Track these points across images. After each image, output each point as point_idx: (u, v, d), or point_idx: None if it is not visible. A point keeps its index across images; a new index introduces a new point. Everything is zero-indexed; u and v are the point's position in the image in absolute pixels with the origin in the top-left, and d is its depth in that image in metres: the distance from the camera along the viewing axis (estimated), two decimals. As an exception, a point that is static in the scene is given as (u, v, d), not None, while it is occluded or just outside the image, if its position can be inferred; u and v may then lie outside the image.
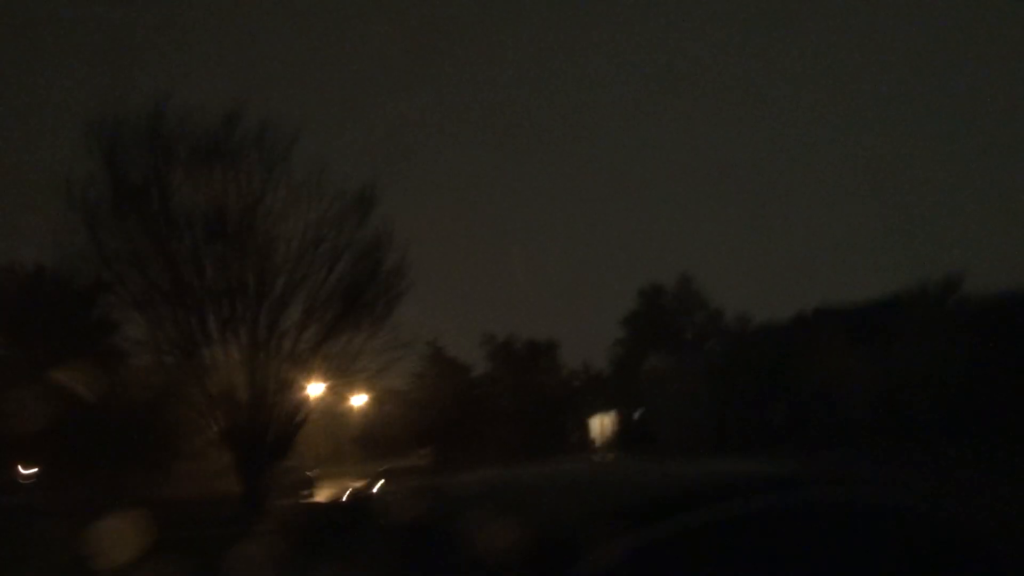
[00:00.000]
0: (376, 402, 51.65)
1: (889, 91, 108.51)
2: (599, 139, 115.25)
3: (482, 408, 50.85)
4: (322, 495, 37.86)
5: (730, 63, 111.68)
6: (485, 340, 63.83)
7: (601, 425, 47.43)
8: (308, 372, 22.36)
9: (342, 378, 24.03)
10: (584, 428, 48.77)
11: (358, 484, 21.64)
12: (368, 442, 52.21)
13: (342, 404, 54.49)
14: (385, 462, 47.41)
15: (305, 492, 38.21)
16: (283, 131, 21.09)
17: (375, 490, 12.18)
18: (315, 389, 45.50)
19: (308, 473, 40.40)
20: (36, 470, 28.42)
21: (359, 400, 53.37)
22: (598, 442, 46.84)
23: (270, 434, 21.26)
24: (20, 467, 28.78)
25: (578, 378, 54.86)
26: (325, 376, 23.18)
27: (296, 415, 22.40)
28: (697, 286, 61.98)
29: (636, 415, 43.17)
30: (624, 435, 43.60)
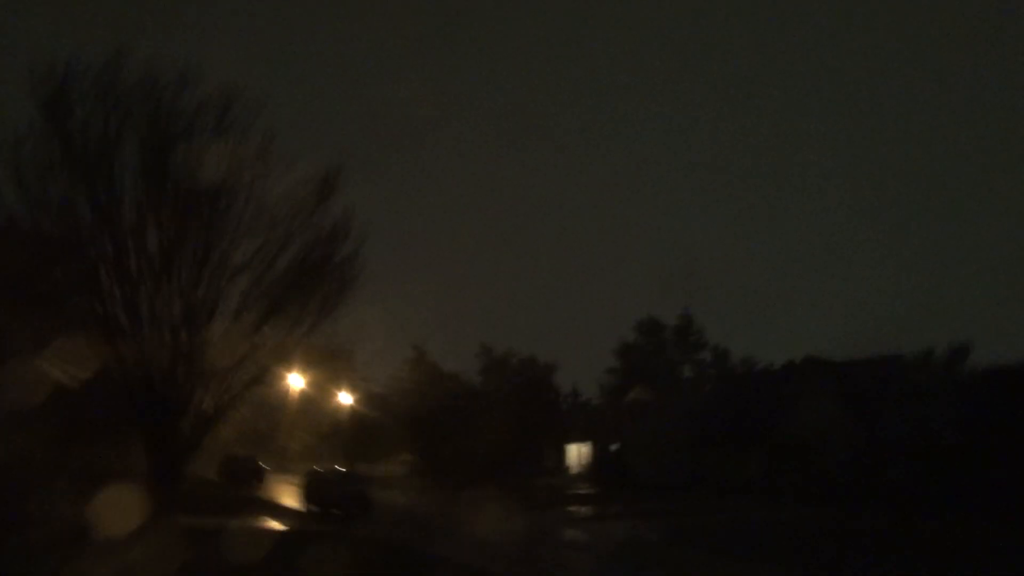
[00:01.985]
0: (359, 403, 50.74)
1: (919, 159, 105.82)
2: (609, 147, 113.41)
3: (466, 420, 49.49)
4: (269, 487, 37.00)
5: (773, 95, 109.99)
6: (482, 351, 62.68)
7: (579, 453, 45.84)
8: (242, 355, 21.20)
9: (277, 364, 22.91)
10: (563, 455, 47.20)
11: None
12: (345, 443, 51.09)
13: (322, 401, 53.74)
14: (354, 464, 46.35)
15: (256, 482, 37.43)
16: (246, 100, 20.21)
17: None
18: (295, 382, 44.70)
19: (261, 464, 39.59)
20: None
21: (344, 398, 52.55)
22: (573, 469, 45.27)
23: (188, 419, 20.16)
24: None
25: (566, 402, 53.35)
26: (257, 362, 22.03)
27: (222, 401, 21.25)
28: (699, 325, 60.16)
29: (613, 447, 41.54)
30: (598, 466, 42.01)
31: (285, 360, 23.63)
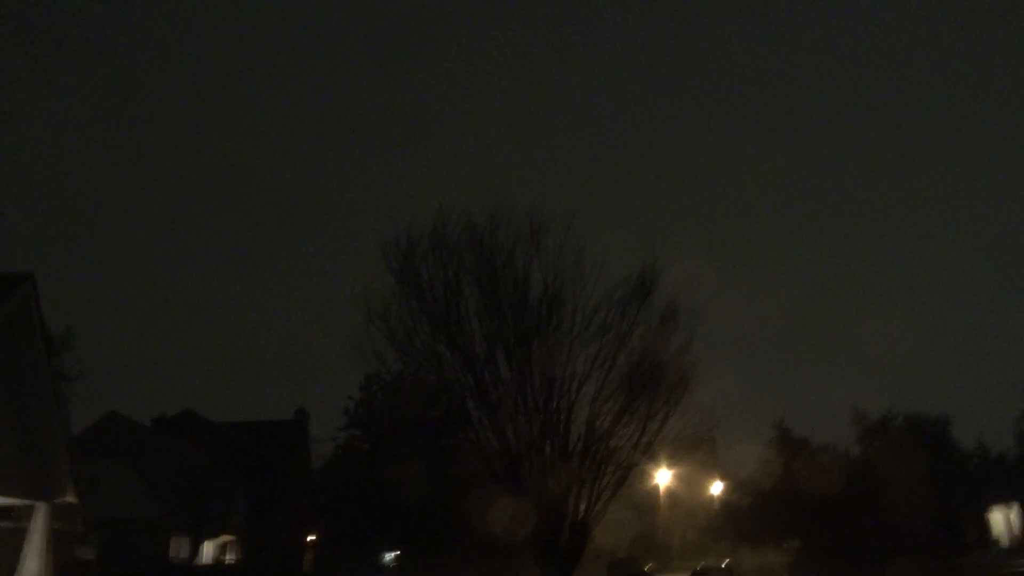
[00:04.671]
0: (729, 491, 48.64)
1: None
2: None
3: (851, 495, 44.59)
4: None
5: None
6: (855, 417, 56.67)
7: (1008, 520, 38.25)
8: (602, 460, 21.87)
9: (636, 464, 23.05)
10: (983, 523, 39.75)
11: None
12: (725, 534, 48.90)
13: (693, 493, 52.58)
14: (739, 555, 44.05)
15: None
16: (555, 222, 21.80)
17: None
18: (663, 478, 44.61)
19: (647, 566, 39.34)
20: (397, 553, 31.97)
21: (715, 489, 50.93)
22: (1004, 541, 37.77)
23: (566, 527, 21.07)
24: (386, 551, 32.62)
25: (971, 462, 45.22)
26: (619, 463, 22.39)
27: (595, 505, 21.91)
28: None
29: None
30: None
31: (647, 458, 23.80)
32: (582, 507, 21.99)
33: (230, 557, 35.45)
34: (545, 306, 21.45)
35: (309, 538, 38.14)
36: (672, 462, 43.23)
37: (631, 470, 23.18)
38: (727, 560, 45.17)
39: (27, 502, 14.08)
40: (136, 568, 24.14)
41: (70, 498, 15.52)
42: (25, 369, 12.53)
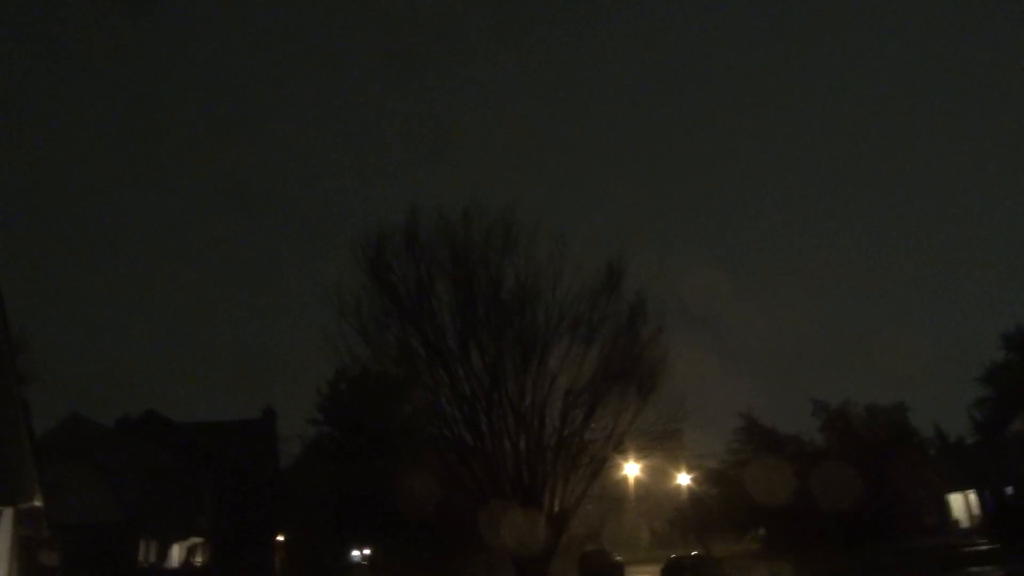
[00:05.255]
0: (697, 482, 49.34)
1: None
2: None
3: (817, 483, 45.50)
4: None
5: None
6: (816, 407, 57.73)
7: (967, 504, 39.36)
8: (576, 453, 21.96)
9: (609, 457, 23.19)
10: (943, 508, 40.91)
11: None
12: (694, 525, 49.57)
13: (661, 485, 53.12)
14: (708, 545, 44.63)
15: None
16: (524, 217, 21.84)
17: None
18: (632, 470, 44.85)
19: (617, 558, 39.58)
20: (369, 552, 31.77)
21: (683, 480, 51.43)
22: (964, 524, 38.87)
23: (541, 520, 21.11)
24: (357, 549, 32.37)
25: (931, 447, 46.48)
26: (592, 456, 22.53)
27: (569, 499, 22.00)
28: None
29: (1008, 492, 35.01)
30: (996, 517, 35.53)
31: (618, 450, 23.97)
32: (557, 500, 22.07)
33: (199, 559, 34.90)
34: (518, 301, 21.48)
35: (279, 538, 37.74)
36: (642, 454, 43.60)
37: (605, 463, 23.33)
38: (695, 552, 45.79)
39: (-8, 507, 13.70)
40: (103, 573, 23.63)
41: (36, 502, 15.12)
42: (-13, 370, 12.15)
